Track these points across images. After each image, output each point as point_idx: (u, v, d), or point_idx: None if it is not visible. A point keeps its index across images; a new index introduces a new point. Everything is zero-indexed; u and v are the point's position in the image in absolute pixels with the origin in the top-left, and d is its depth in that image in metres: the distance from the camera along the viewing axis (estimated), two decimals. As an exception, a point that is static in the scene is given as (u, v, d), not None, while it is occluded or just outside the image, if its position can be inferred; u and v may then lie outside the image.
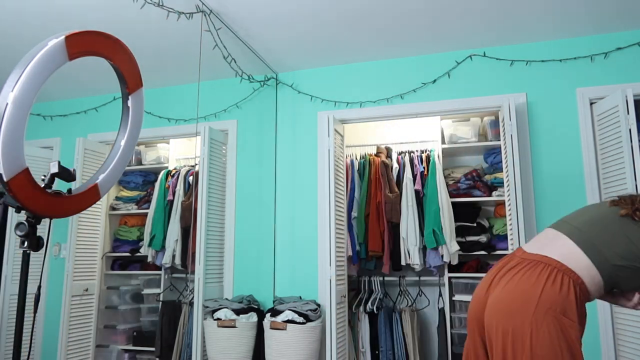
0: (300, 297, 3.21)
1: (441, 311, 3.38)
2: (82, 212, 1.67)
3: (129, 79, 1.49)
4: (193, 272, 3.13)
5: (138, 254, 3.77)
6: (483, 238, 3.44)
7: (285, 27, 2.92)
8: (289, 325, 2.86)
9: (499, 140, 3.28)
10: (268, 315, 2.98)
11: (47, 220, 1.35)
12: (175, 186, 3.67)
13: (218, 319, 2.98)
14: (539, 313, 1.34)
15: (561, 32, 3.01)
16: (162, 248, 3.58)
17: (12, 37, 2.89)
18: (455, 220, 3.39)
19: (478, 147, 3.59)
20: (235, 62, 3.06)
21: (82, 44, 1.31)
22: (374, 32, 2.99)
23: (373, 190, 3.52)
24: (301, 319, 2.88)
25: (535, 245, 1.51)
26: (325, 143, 3.21)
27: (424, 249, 3.36)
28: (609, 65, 2.98)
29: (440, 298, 3.42)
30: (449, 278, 3.39)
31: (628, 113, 2.64)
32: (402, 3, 2.65)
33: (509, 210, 2.93)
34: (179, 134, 3.70)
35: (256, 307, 3.16)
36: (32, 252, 1.29)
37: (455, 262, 3.32)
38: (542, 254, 1.44)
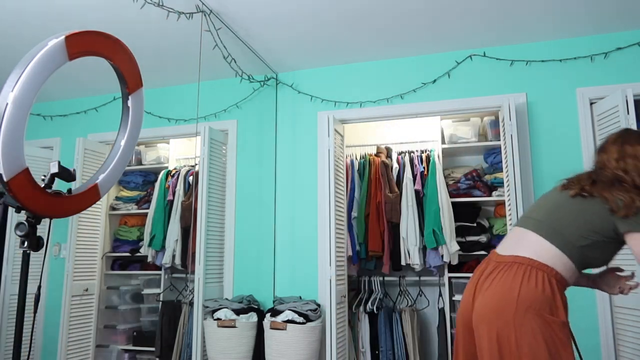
0: (300, 297, 3.21)
1: (441, 311, 3.38)
2: (82, 212, 1.67)
3: (129, 79, 1.49)
4: (193, 272, 3.13)
5: (138, 254, 3.76)
6: (483, 238, 3.44)
7: (285, 27, 2.92)
8: (289, 325, 2.86)
9: (499, 140, 3.28)
10: (268, 315, 2.98)
11: (47, 220, 1.35)
12: (175, 186, 3.67)
13: (218, 319, 2.98)
14: (519, 313, 1.37)
15: (561, 32, 3.00)
16: (162, 248, 3.58)
17: (12, 37, 2.89)
18: (455, 220, 3.39)
19: (478, 147, 3.59)
20: (235, 62, 3.06)
21: (82, 44, 1.31)
22: (374, 32, 2.99)
23: (373, 190, 3.52)
24: (301, 319, 2.88)
25: (506, 247, 1.55)
26: (325, 143, 3.21)
27: (424, 249, 3.36)
28: (609, 65, 2.98)
29: (440, 298, 3.42)
30: (449, 278, 3.39)
31: (628, 113, 2.64)
32: (402, 3, 2.65)
33: (509, 210, 2.93)
34: (179, 134, 3.70)
35: (256, 307, 3.16)
36: (32, 252, 1.29)
37: (455, 262, 3.32)
38: (514, 254, 1.49)
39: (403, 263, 3.35)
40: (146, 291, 3.76)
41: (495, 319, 1.40)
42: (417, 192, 3.43)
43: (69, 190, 1.37)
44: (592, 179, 1.53)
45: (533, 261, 1.44)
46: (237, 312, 3.00)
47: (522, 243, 1.51)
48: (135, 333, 3.66)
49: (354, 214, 3.50)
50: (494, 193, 3.43)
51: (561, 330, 1.37)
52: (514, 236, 1.57)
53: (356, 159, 3.69)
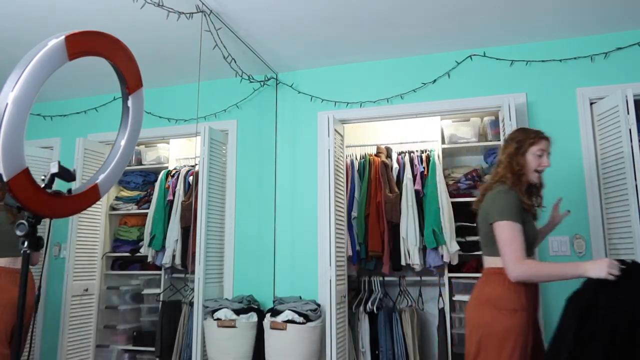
0: (300, 297, 3.21)
1: (441, 311, 3.38)
2: (82, 212, 1.67)
3: (129, 79, 1.49)
4: (193, 272, 3.13)
5: (138, 254, 3.77)
6: (483, 238, 3.44)
7: (285, 27, 2.92)
8: (289, 325, 2.86)
9: (499, 140, 3.28)
10: (268, 315, 2.98)
11: (47, 220, 1.35)
12: (175, 186, 3.67)
13: (218, 319, 2.98)
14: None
15: (561, 32, 3.01)
16: (162, 248, 3.58)
17: (12, 37, 2.89)
18: (455, 220, 3.39)
19: (478, 147, 3.59)
20: (235, 62, 3.06)
21: (82, 44, 1.31)
22: (373, 32, 2.99)
23: (373, 190, 3.52)
24: (301, 319, 2.88)
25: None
26: (325, 143, 3.21)
27: (424, 249, 3.35)
28: (609, 65, 2.98)
29: (440, 298, 3.42)
30: (449, 278, 3.38)
31: (628, 113, 2.64)
32: (402, 3, 2.65)
33: (509, 210, 2.92)
34: (179, 134, 3.70)
35: (256, 307, 3.16)
36: (32, 252, 1.29)
37: (455, 262, 3.32)
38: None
39: (403, 263, 3.35)
40: (146, 291, 3.76)
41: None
42: (417, 192, 3.43)
43: (69, 190, 1.37)
44: None
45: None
46: (237, 312, 3.00)
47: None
48: (135, 333, 3.66)
49: (354, 214, 3.50)
50: (494, 193, 3.42)
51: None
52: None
53: (356, 159, 3.69)
